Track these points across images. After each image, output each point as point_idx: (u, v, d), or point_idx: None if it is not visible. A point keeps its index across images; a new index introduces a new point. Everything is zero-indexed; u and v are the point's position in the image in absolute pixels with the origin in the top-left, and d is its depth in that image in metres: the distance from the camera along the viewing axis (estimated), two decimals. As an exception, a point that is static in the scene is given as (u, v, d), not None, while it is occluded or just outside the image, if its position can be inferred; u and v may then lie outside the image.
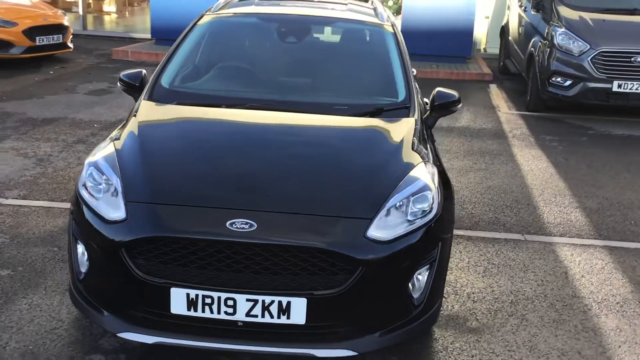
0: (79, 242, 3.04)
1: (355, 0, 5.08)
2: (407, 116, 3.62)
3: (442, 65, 12.32)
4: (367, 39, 4.37)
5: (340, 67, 4.22)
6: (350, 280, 2.79)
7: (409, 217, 2.99)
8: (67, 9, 16.02)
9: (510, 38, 11.37)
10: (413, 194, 3.05)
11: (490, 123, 8.67)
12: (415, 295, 3.03)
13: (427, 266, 3.05)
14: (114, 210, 2.90)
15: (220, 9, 4.47)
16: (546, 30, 8.97)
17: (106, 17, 18.09)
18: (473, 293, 4.06)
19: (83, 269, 3.03)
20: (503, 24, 12.31)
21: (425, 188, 3.10)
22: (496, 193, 5.97)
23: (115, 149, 3.24)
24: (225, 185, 3.01)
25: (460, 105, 4.09)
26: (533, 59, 9.17)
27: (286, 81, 4.05)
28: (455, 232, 4.82)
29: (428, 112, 3.97)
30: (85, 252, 3.00)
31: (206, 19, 4.37)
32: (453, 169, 6.60)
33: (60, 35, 11.03)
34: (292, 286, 2.77)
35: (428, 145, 3.61)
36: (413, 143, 3.42)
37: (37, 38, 10.61)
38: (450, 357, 3.36)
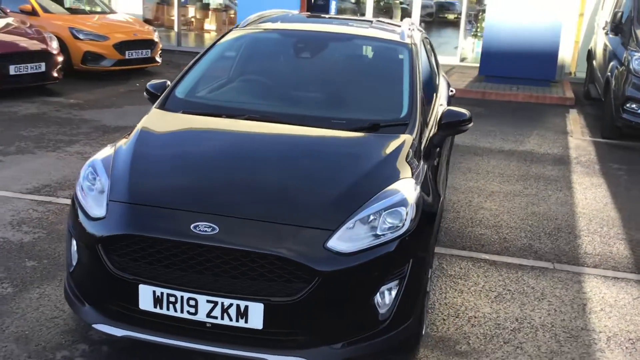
0: (73, 237, 3.25)
1: (383, 19, 5.12)
2: (404, 132, 3.61)
3: (522, 87, 12.02)
4: (381, 55, 4.40)
5: (347, 82, 4.26)
6: (307, 290, 2.82)
7: (378, 232, 2.99)
8: (170, 27, 16.98)
9: (594, 62, 10.96)
10: (386, 209, 3.05)
11: (557, 148, 8.37)
12: (382, 310, 3.02)
13: (396, 282, 3.03)
14: (98, 208, 3.10)
15: (248, 24, 4.65)
16: (624, 55, 8.58)
17: (206, 35, 18.92)
18: (475, 317, 3.96)
19: (73, 263, 3.24)
20: (590, 47, 11.88)
21: (400, 204, 3.09)
22: (538, 219, 5.77)
23: (115, 151, 3.45)
24: (198, 190, 3.13)
25: (470, 125, 4.04)
26: (609, 84, 8.80)
27: (291, 95, 4.14)
28: (479, 255, 4.79)
29: (435, 131, 3.94)
30: (76, 247, 3.21)
31: (232, 34, 4.56)
32: (499, 192, 6.45)
33: (149, 50, 11.69)
34: (250, 291, 2.84)
35: (425, 163, 3.58)
36: (402, 159, 3.41)
37: (127, 52, 11.29)
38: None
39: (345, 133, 3.57)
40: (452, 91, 5.65)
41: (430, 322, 3.84)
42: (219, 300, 2.85)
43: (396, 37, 4.38)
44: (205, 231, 2.86)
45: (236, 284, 2.85)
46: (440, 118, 3.93)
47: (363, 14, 16.55)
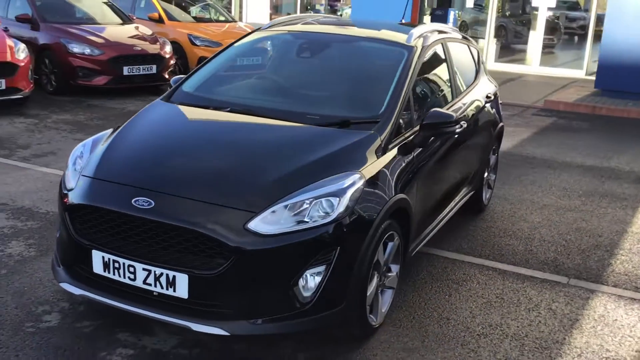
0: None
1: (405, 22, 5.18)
2: (372, 130, 3.71)
3: (638, 104, 11.28)
4: (380, 56, 4.48)
5: (337, 81, 4.38)
6: (225, 265, 3.04)
7: (306, 218, 3.14)
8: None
9: None
10: (318, 197, 3.19)
11: (646, 167, 7.85)
12: (305, 293, 3.16)
13: (322, 268, 3.16)
14: (72, 181, 3.52)
15: (270, 26, 4.94)
16: None
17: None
18: (447, 319, 3.94)
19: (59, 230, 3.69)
20: None
21: (334, 194, 3.21)
22: (579, 236, 5.52)
23: (110, 133, 3.88)
24: (147, 169, 3.44)
25: (455, 128, 4.03)
26: None
27: (279, 91, 4.34)
28: (492, 264, 4.73)
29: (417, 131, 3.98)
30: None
31: (252, 35, 4.86)
32: (552, 206, 6.22)
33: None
34: (178, 262, 3.11)
35: (393, 162, 3.65)
36: (355, 154, 3.52)
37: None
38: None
39: (313, 128, 3.73)
40: (489, 97, 5.56)
41: (399, 318, 3.89)
42: (152, 269, 3.15)
43: (401, 39, 4.45)
44: (143, 205, 3.17)
45: (167, 255, 3.13)
46: (423, 118, 3.97)
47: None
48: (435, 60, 4.73)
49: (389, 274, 3.76)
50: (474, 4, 20.53)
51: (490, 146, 5.68)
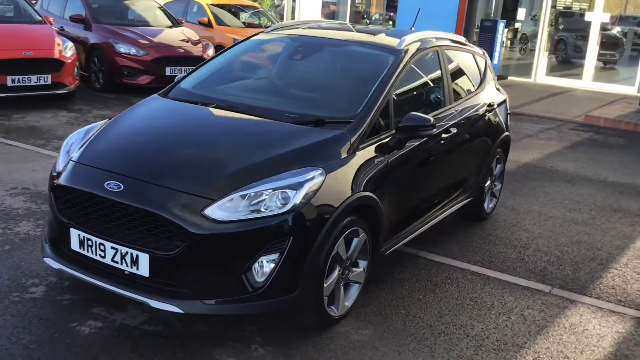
0: None
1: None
2: (343, 130, 3.87)
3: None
4: (368, 60, 4.61)
5: (322, 82, 4.54)
6: (182, 247, 3.26)
7: (262, 208, 3.33)
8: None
9: None
10: (277, 189, 3.38)
11: (672, 186, 7.68)
12: (258, 278, 3.35)
13: (275, 255, 3.35)
14: (62, 164, 3.82)
15: (272, 29, 5.17)
16: None
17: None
18: (414, 317, 4.04)
19: (52, 210, 4.00)
20: None
21: (292, 187, 3.40)
22: (577, 248, 5.52)
23: (103, 123, 4.18)
24: (123, 155, 3.70)
25: (432, 132, 4.15)
26: None
27: (266, 90, 4.55)
28: (477, 269, 4.83)
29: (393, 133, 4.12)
30: (53, 197, 3.96)
31: (255, 37, 5.10)
32: (558, 218, 6.21)
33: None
34: (141, 243, 3.35)
35: (359, 161, 3.80)
36: (321, 151, 3.68)
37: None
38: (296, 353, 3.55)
39: (288, 125, 3.92)
40: (490, 106, 5.63)
41: (365, 312, 4.02)
42: (119, 247, 3.40)
43: (392, 44, 4.59)
44: (113, 188, 3.43)
45: (132, 236, 3.37)
46: (399, 120, 4.11)
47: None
48: (426, 66, 4.85)
49: (355, 269, 3.90)
50: (531, 18, 20.32)
51: (492, 155, 5.72)
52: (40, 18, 9.99)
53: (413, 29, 5.42)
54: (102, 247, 3.46)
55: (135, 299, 3.38)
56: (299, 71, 4.85)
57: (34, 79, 8.92)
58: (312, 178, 3.48)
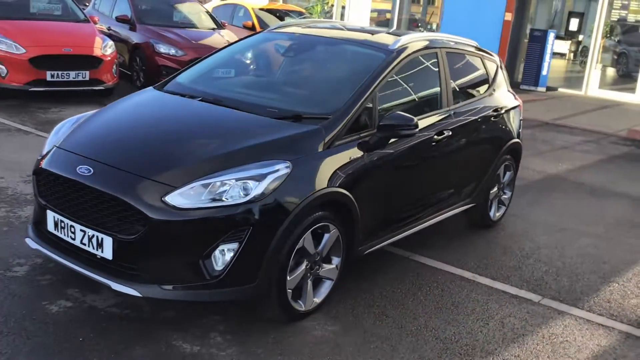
0: None
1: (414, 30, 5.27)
2: (319, 125, 3.88)
3: None
4: (360, 59, 4.61)
5: (309, 79, 4.56)
6: (142, 232, 3.34)
7: (224, 197, 3.38)
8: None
9: None
10: (240, 179, 3.42)
11: (703, 203, 7.35)
12: (216, 267, 3.39)
13: (234, 245, 3.39)
14: (47, 148, 3.97)
15: (275, 28, 5.24)
16: None
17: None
18: (385, 316, 4.00)
19: (41, 193, 4.15)
20: None
21: (256, 178, 3.43)
22: (581, 260, 5.35)
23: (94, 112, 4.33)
24: (98, 141, 3.81)
25: (414, 132, 4.12)
26: None
27: (254, 85, 4.59)
28: (468, 275, 4.82)
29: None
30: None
31: (256, 35, 5.19)
32: (569, 230, 6.05)
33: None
34: (106, 226, 3.44)
35: (333, 158, 3.80)
36: (291, 145, 3.70)
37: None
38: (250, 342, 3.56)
39: (265, 119, 3.95)
40: (497, 111, 5.53)
41: (337, 309, 4.00)
42: (87, 230, 3.51)
43: (385, 44, 4.58)
44: (84, 172, 3.55)
45: (98, 219, 3.47)
46: (381, 119, 4.09)
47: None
48: (422, 67, 4.81)
49: (326, 265, 3.90)
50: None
51: (498, 161, 5.61)
52: (84, 17, 10.37)
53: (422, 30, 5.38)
54: (72, 229, 3.58)
55: (99, 281, 3.48)
56: (289, 68, 4.90)
57: (72, 75, 9.25)
58: (277, 170, 3.51)
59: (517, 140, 5.87)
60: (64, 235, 3.63)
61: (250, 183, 3.43)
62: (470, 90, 5.36)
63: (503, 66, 6.00)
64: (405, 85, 4.67)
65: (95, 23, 10.48)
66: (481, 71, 5.60)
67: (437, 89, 4.87)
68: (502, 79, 5.88)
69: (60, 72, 9.13)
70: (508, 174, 5.94)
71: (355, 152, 3.96)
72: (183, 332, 3.56)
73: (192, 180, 3.41)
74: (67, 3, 10.52)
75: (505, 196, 6.03)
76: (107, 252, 3.46)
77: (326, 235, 3.82)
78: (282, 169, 3.54)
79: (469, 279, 4.76)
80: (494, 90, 5.67)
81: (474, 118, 5.19)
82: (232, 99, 4.24)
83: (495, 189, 5.76)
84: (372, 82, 4.21)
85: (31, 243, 3.84)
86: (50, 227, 3.72)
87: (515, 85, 16.07)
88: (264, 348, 3.51)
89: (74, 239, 3.59)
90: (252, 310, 3.81)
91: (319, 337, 3.69)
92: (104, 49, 9.64)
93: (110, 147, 3.75)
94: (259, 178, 3.45)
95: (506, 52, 14.77)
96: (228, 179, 3.43)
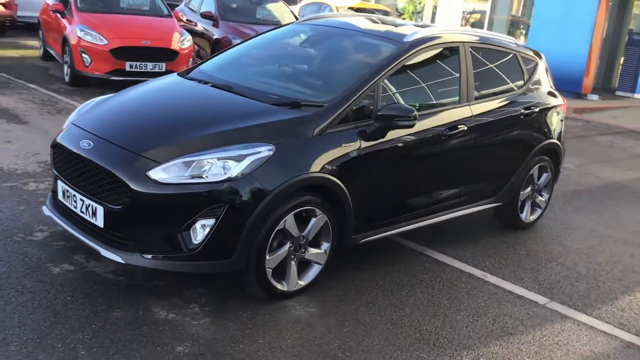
0: None
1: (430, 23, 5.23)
2: (312, 113, 3.96)
3: None
4: (371, 50, 4.61)
5: (318, 68, 4.64)
6: (127, 202, 3.58)
7: (204, 175, 3.56)
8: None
9: None
10: (221, 159, 3.59)
11: None
12: (194, 240, 3.57)
13: (211, 220, 3.55)
14: (65, 125, 4.31)
15: (306, 19, 5.40)
16: None
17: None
18: (372, 303, 4.04)
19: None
20: None
21: (235, 158, 3.58)
22: (610, 268, 5.14)
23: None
24: (105, 119, 4.08)
25: (412, 123, 4.12)
26: None
27: (265, 73, 4.70)
28: (478, 273, 4.78)
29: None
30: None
31: (287, 26, 5.36)
32: (610, 238, 5.79)
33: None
34: (99, 196, 3.71)
35: (324, 144, 3.88)
36: (279, 130, 3.81)
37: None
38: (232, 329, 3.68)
39: (264, 104, 4.08)
40: (529, 109, 5.38)
41: (322, 293, 4.08)
42: (85, 199, 3.79)
43: (399, 37, 4.60)
44: (85, 146, 3.83)
45: (94, 189, 3.74)
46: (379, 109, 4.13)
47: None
48: (439, 62, 4.79)
49: (314, 250, 3.98)
50: None
51: (531, 162, 5.45)
52: (167, 12, 10.93)
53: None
54: (75, 199, 3.87)
55: (92, 247, 3.75)
56: (302, 57, 5.02)
57: (149, 66, 9.79)
58: (258, 152, 3.64)
59: (553, 140, 5.68)
60: (69, 203, 3.94)
61: (230, 163, 3.59)
62: (498, 87, 5.24)
63: (544, 65, 5.82)
64: (418, 78, 4.67)
65: (178, 18, 11.00)
66: (515, 68, 5.46)
67: (456, 84, 4.82)
68: (541, 77, 5.71)
69: (138, 63, 9.68)
70: (545, 175, 5.76)
71: (350, 141, 4.01)
72: (165, 301, 3.76)
73: (176, 157, 3.61)
74: (153, -2, 11.14)
75: (542, 199, 5.85)
76: (100, 221, 3.71)
77: (313, 220, 3.90)
78: (264, 151, 3.66)
79: (477, 277, 4.69)
80: (529, 88, 5.52)
81: (498, 115, 5.08)
82: (241, 85, 4.41)
83: (528, 190, 5.61)
84: (376, 73, 4.24)
85: (45, 210, 4.18)
86: (60, 196, 4.03)
87: (610, 91, 15.37)
88: (235, 321, 3.65)
89: (75, 207, 3.88)
90: (238, 287, 3.96)
91: (295, 317, 3.79)
92: (181, 42, 10.12)
93: (112, 125, 4.03)
94: (239, 159, 3.60)
95: (597, 55, 14.12)
96: (210, 157, 3.60)
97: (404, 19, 17.78)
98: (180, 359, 3.24)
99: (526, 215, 5.70)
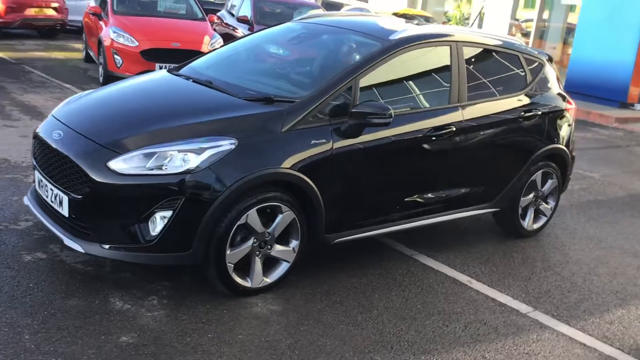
0: None
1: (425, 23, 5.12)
2: (281, 108, 3.92)
3: None
4: (356, 48, 4.53)
5: (301, 66, 4.60)
6: (87, 192, 3.62)
7: (164, 167, 3.56)
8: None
9: None
10: (182, 151, 3.60)
11: None
12: (152, 232, 3.58)
13: (168, 212, 3.56)
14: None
15: (301, 18, 5.37)
16: None
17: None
18: (339, 303, 3.95)
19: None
20: None
21: (195, 151, 3.57)
22: (609, 280, 4.91)
23: (105, 87, 4.74)
24: (81, 111, 4.14)
25: (386, 121, 4.02)
26: None
27: (247, 69, 4.69)
28: (463, 279, 4.69)
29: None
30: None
31: (282, 25, 5.34)
32: (616, 248, 5.53)
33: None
34: (65, 186, 3.76)
35: (293, 140, 3.84)
36: (242, 124, 3.79)
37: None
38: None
39: (236, 99, 4.06)
40: (529, 112, 5.18)
41: (291, 291, 4.02)
42: (54, 189, 3.86)
43: (385, 34, 4.52)
44: (55, 136, 3.91)
45: (61, 179, 3.80)
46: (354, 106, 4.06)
47: None
48: (428, 61, 4.68)
49: (280, 247, 3.93)
50: None
51: (532, 167, 5.26)
52: (201, 16, 11.10)
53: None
54: (46, 188, 3.94)
55: (56, 235, 3.80)
56: (289, 55, 4.99)
57: (179, 68, 9.95)
58: (218, 146, 3.63)
59: (559, 146, 5.46)
60: (42, 193, 4.01)
61: (190, 155, 3.58)
62: (495, 88, 5.07)
63: (552, 67, 5.62)
64: (405, 78, 4.57)
65: (212, 22, 11.16)
66: (517, 70, 5.29)
67: (447, 84, 4.69)
68: (548, 79, 5.51)
69: (167, 65, 9.84)
70: (550, 182, 5.54)
71: (321, 138, 3.95)
72: (125, 292, 3.78)
73: (137, 149, 3.63)
74: (189, 2, 11.33)
75: (547, 206, 5.63)
76: (65, 210, 3.77)
77: (279, 216, 3.86)
78: (226, 145, 3.65)
79: (462, 282, 4.55)
80: (532, 90, 5.33)
81: (492, 117, 4.92)
82: (222, 80, 4.41)
83: (530, 196, 5.40)
84: (354, 71, 4.17)
85: (25, 200, 4.27)
86: (37, 185, 4.12)
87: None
88: (190, 315, 3.63)
89: (47, 197, 3.95)
90: (206, 283, 3.94)
91: (254, 314, 3.75)
92: (212, 45, 10.25)
93: (85, 117, 4.09)
94: (199, 151, 3.59)
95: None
96: (171, 150, 3.61)
97: (450, 24, 17.52)
98: (122, 349, 3.24)
99: (528, 223, 5.50)
